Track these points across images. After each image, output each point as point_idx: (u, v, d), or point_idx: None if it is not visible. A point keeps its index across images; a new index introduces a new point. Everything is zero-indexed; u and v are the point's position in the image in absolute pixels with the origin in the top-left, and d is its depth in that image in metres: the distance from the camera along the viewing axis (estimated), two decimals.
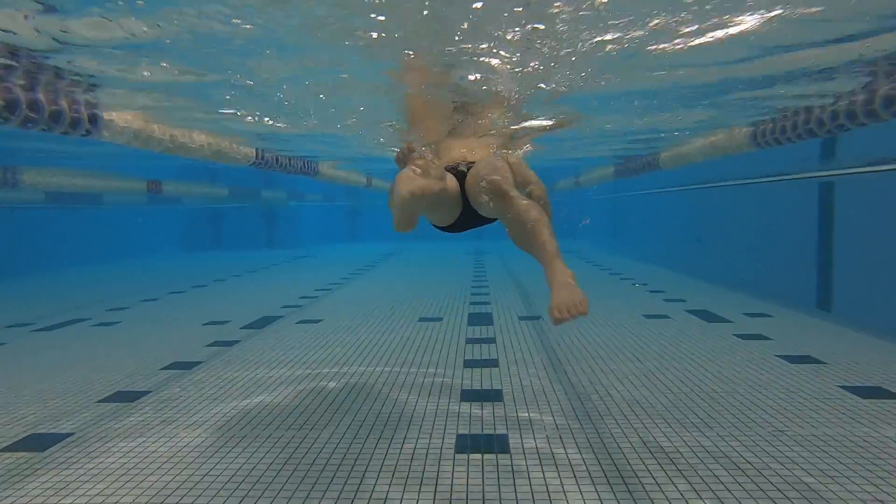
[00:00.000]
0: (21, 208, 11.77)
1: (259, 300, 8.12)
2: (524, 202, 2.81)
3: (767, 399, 3.70)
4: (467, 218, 3.32)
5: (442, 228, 3.49)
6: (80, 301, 8.38)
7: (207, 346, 5.45)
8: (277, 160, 8.18)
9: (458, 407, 3.67)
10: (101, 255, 14.60)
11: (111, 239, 15.43)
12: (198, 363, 4.82)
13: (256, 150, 7.63)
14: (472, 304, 7.44)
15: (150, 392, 4.07)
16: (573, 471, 2.79)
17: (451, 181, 3.20)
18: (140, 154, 10.17)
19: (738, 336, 5.41)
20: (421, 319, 6.46)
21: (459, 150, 3.81)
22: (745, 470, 2.76)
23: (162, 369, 4.67)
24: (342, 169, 11.35)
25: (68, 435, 3.32)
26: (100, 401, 3.91)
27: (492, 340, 5.40)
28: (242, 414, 3.61)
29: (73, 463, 2.96)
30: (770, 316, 6.31)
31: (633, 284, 7.58)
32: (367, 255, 15.53)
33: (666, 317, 6.41)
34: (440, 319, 6.44)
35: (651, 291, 8.30)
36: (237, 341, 5.60)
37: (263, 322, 6.50)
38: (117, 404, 3.83)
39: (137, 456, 3.02)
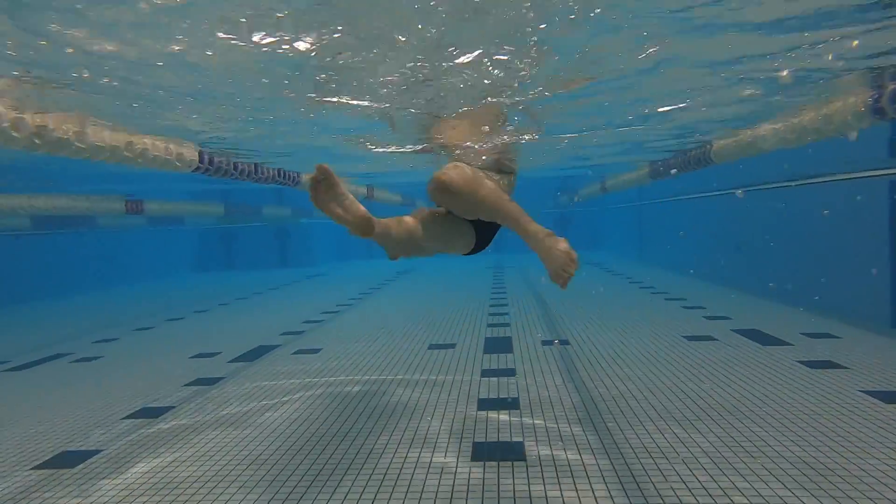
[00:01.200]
0: (22, 235, 11.34)
1: (258, 326, 7.45)
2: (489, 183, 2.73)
3: (871, 458, 2.88)
4: (480, 230, 3.17)
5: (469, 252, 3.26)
6: (69, 331, 7.79)
7: (186, 384, 4.77)
8: (236, 166, 6.32)
9: (467, 470, 2.91)
10: (110, 279, 14.14)
11: (120, 262, 14.96)
12: (167, 409, 4.13)
13: (200, 151, 5.83)
14: (489, 326, 6.68)
15: (100, 452, 3.39)
16: None
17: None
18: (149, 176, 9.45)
19: (805, 364, 4.55)
20: (431, 347, 5.71)
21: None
22: None
23: (125, 418, 3.99)
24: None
25: None
26: (35, 467, 3.23)
27: (511, 373, 4.64)
28: (201, 483, 2.90)
29: None
30: (836, 337, 5.42)
31: None
32: (381, 272, 14.85)
33: (711, 338, 5.58)
34: (453, 346, 5.69)
35: (688, 307, 7.45)
36: (221, 378, 4.92)
37: (257, 353, 5.82)
38: (53, 472, 3.15)
39: None
